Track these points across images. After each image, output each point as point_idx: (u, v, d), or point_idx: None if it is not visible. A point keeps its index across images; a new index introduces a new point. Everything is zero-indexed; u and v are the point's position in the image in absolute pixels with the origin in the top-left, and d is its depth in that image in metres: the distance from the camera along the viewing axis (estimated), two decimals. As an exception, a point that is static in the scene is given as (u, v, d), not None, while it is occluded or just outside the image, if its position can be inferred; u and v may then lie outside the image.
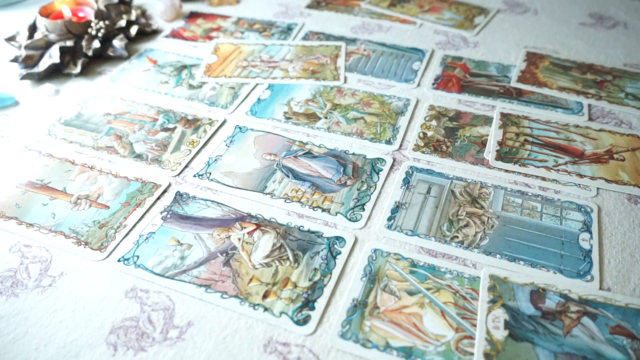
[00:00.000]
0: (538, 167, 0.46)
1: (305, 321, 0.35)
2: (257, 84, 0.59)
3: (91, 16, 0.65)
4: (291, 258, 0.39)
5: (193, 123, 0.53)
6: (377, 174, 0.46)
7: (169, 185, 0.46)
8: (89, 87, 0.59)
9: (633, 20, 0.71)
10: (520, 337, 0.33)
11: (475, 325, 0.34)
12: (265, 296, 0.36)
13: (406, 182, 0.45)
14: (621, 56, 0.63)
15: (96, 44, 0.62)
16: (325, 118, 0.53)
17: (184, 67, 0.62)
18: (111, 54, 0.64)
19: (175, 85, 0.59)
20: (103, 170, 0.47)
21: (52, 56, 0.60)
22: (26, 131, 0.53)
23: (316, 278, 0.37)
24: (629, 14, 0.73)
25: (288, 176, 0.46)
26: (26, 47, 0.61)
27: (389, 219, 0.42)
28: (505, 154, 0.48)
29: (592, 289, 0.36)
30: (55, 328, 0.35)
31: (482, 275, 0.37)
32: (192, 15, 0.74)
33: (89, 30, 0.63)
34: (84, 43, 0.62)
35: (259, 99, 0.56)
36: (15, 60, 0.61)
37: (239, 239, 0.40)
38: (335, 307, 0.36)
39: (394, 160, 0.48)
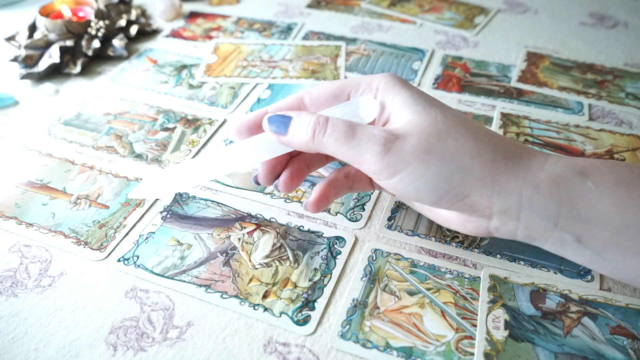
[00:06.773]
0: (538, 167, 0.46)
1: (305, 321, 0.35)
2: (257, 84, 0.59)
3: (91, 16, 0.65)
4: (291, 258, 0.39)
5: (193, 123, 0.53)
6: (377, 173, 0.46)
7: (169, 185, 0.46)
8: (89, 87, 0.59)
9: (634, 20, 0.71)
10: (520, 337, 0.33)
11: (475, 326, 0.34)
12: (265, 296, 0.36)
13: (406, 182, 0.45)
14: (621, 56, 0.63)
15: (96, 43, 0.62)
16: (325, 118, 0.53)
17: (184, 66, 0.62)
18: (111, 53, 0.64)
19: (175, 85, 0.59)
20: (103, 170, 0.47)
21: (52, 56, 0.60)
22: (26, 131, 0.53)
23: (316, 278, 0.37)
24: (630, 14, 0.73)
25: (288, 176, 0.46)
26: (26, 47, 0.61)
27: (389, 219, 0.42)
28: (506, 154, 0.48)
29: (593, 289, 0.36)
30: (54, 328, 0.35)
31: (482, 276, 0.37)
32: (192, 15, 0.74)
33: (89, 30, 0.63)
34: (84, 43, 0.62)
35: (258, 99, 0.56)
36: (15, 60, 0.61)
37: (239, 239, 0.40)
38: (335, 307, 0.36)
39: (394, 160, 0.48)
